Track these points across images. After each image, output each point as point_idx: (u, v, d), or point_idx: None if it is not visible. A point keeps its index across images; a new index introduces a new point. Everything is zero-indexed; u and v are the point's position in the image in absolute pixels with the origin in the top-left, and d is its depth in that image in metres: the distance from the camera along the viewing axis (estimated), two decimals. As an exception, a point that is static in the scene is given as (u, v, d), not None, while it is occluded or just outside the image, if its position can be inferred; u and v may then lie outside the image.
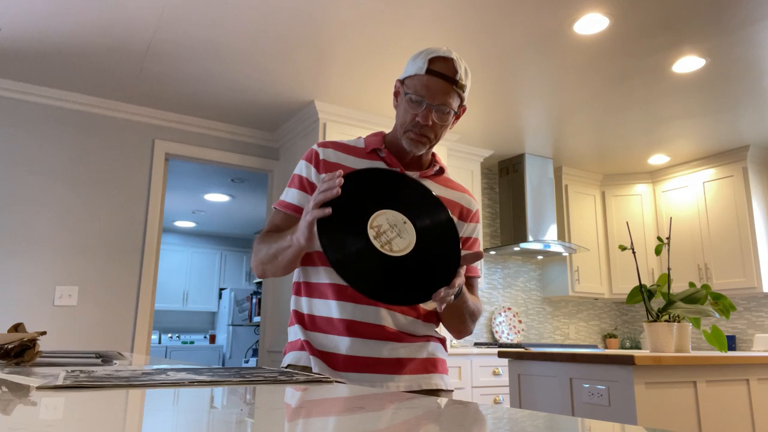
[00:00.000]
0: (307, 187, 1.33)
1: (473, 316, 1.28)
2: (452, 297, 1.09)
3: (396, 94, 1.35)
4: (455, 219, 1.38)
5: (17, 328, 1.16)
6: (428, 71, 1.25)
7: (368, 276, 1.06)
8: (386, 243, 1.02)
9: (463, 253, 1.13)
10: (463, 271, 1.11)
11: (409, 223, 1.00)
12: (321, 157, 1.34)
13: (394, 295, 1.08)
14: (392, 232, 1.01)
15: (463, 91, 1.29)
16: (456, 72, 1.26)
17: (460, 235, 1.39)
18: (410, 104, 1.27)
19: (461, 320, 1.27)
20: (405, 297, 1.08)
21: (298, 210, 1.32)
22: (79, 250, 3.55)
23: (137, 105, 3.81)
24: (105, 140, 3.75)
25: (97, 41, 3.01)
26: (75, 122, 3.67)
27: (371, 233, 1.02)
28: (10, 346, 1.07)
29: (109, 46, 3.07)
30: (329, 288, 1.27)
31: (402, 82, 1.31)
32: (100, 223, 3.64)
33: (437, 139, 1.32)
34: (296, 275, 1.37)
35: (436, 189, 1.38)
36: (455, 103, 1.28)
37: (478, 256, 1.11)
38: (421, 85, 1.25)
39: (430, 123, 1.27)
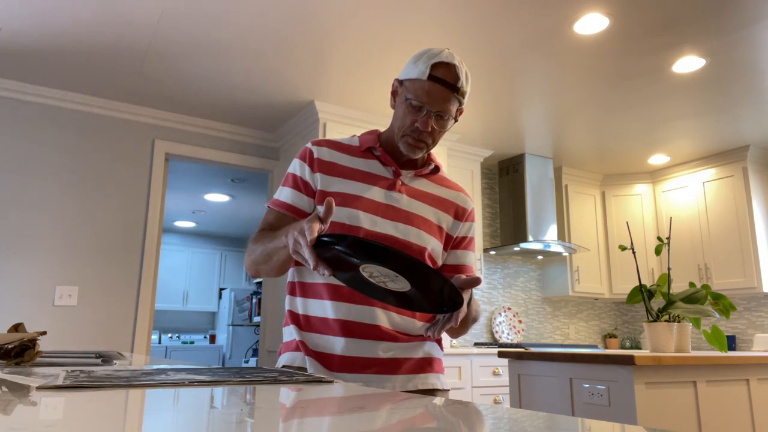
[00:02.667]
0: (301, 186, 1.31)
1: (475, 321, 1.28)
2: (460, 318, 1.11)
3: (394, 93, 1.33)
4: (451, 219, 1.38)
5: (17, 328, 1.16)
6: (430, 77, 1.23)
7: (380, 296, 1.09)
8: (381, 282, 1.03)
9: (462, 279, 1.11)
10: (466, 297, 1.12)
11: (401, 277, 0.99)
12: (315, 155, 1.32)
13: (403, 307, 1.12)
14: (385, 278, 1.01)
15: (464, 98, 1.29)
16: (458, 78, 1.25)
17: (456, 234, 1.39)
18: (410, 109, 1.26)
19: (464, 327, 1.27)
20: (412, 309, 1.12)
21: (291, 209, 1.30)
22: (78, 250, 3.55)
23: (137, 105, 3.81)
24: (105, 140, 3.75)
25: (97, 41, 3.01)
26: (75, 122, 3.67)
27: (365, 275, 1.02)
28: (10, 346, 1.07)
29: (109, 46, 3.07)
30: (324, 288, 1.26)
31: (401, 82, 1.30)
32: (100, 223, 3.64)
33: (434, 143, 1.32)
34: (290, 275, 1.36)
35: (431, 188, 1.38)
36: (454, 109, 1.28)
37: (476, 282, 1.09)
38: (423, 91, 1.24)
39: (429, 129, 1.26)
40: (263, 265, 1.26)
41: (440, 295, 1.04)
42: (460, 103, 1.29)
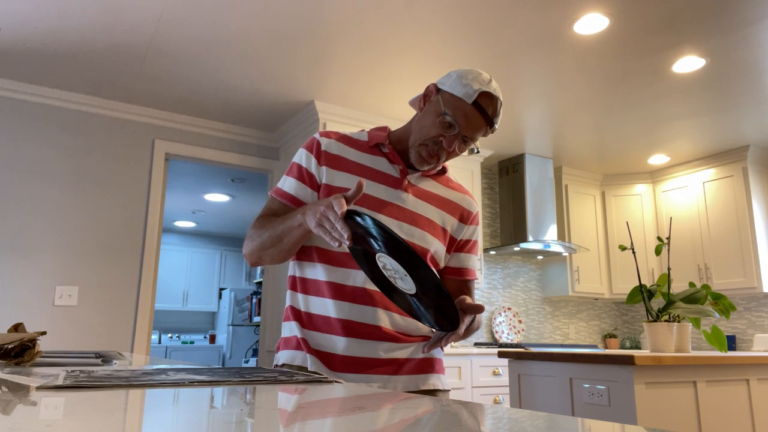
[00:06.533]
0: (305, 178, 1.30)
1: (475, 331, 1.28)
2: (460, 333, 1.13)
3: (426, 96, 1.30)
4: (456, 221, 1.38)
5: (17, 328, 1.16)
6: (475, 103, 1.22)
7: (383, 286, 1.11)
8: (391, 278, 1.05)
9: (466, 302, 1.12)
10: (467, 320, 1.13)
11: (409, 277, 1.00)
12: (323, 148, 1.31)
13: (400, 306, 1.13)
14: (395, 274, 1.03)
15: (491, 133, 1.30)
16: (496, 114, 1.25)
17: (460, 237, 1.39)
18: (441, 123, 1.24)
19: (464, 336, 1.27)
20: (408, 313, 1.13)
21: (294, 201, 1.29)
22: (78, 250, 3.55)
23: (137, 105, 3.81)
24: (105, 140, 3.75)
25: (97, 41, 3.01)
26: (75, 122, 3.67)
27: (379, 264, 1.04)
28: (10, 346, 1.07)
29: (109, 46, 3.07)
30: (326, 286, 1.25)
31: (438, 90, 1.27)
32: (100, 223, 3.64)
33: (444, 162, 1.32)
34: (291, 269, 1.34)
35: (437, 189, 1.37)
36: (479, 138, 1.28)
37: (479, 309, 1.10)
38: (461, 112, 1.23)
39: (452, 149, 1.26)
40: (271, 249, 1.24)
41: (439, 313, 1.05)
42: (483, 136, 1.29)
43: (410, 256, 0.96)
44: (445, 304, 1.02)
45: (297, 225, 1.17)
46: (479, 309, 1.09)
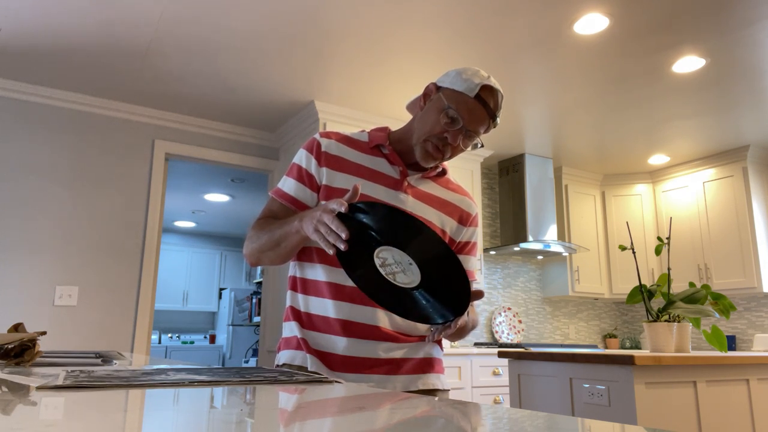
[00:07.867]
0: (305, 179, 1.30)
1: (473, 329, 1.27)
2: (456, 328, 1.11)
3: (426, 95, 1.31)
4: (455, 223, 1.38)
5: (17, 328, 1.16)
6: (477, 97, 1.23)
7: (378, 293, 1.09)
8: (390, 274, 1.03)
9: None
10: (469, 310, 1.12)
11: (415, 265, 0.99)
12: (323, 149, 1.31)
13: (398, 313, 1.11)
14: (397, 267, 1.01)
15: (493, 128, 1.30)
16: (498, 108, 1.27)
17: (459, 239, 1.39)
18: (445, 118, 1.24)
19: (460, 334, 1.26)
20: (407, 317, 1.11)
21: (294, 202, 1.30)
22: (78, 250, 3.55)
23: (137, 105, 3.81)
24: (105, 140, 3.75)
25: (97, 41, 3.01)
26: (75, 122, 3.67)
27: (377, 262, 1.02)
28: (10, 346, 1.07)
29: (109, 46, 3.07)
30: (326, 286, 1.26)
31: (438, 88, 1.28)
32: (100, 223, 3.64)
33: (447, 159, 1.32)
34: (292, 269, 1.35)
35: (436, 191, 1.37)
36: (481, 133, 1.29)
37: (479, 295, 1.09)
38: (465, 107, 1.23)
39: (456, 144, 1.26)
40: (269, 252, 1.25)
41: (447, 293, 1.02)
42: (486, 131, 1.29)
43: (410, 222, 0.94)
44: (453, 274, 0.99)
45: (294, 231, 1.17)
46: (478, 295, 1.09)
